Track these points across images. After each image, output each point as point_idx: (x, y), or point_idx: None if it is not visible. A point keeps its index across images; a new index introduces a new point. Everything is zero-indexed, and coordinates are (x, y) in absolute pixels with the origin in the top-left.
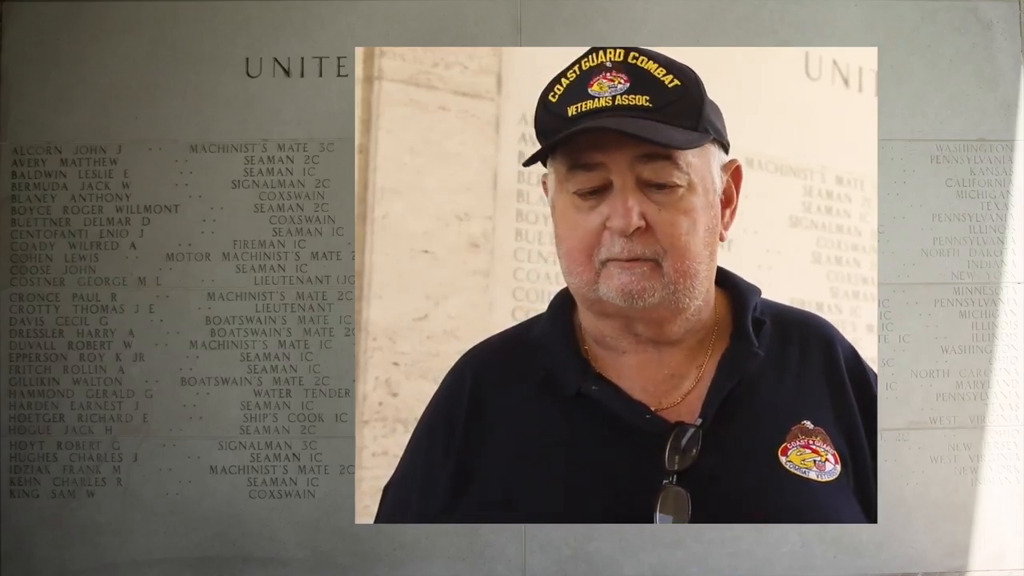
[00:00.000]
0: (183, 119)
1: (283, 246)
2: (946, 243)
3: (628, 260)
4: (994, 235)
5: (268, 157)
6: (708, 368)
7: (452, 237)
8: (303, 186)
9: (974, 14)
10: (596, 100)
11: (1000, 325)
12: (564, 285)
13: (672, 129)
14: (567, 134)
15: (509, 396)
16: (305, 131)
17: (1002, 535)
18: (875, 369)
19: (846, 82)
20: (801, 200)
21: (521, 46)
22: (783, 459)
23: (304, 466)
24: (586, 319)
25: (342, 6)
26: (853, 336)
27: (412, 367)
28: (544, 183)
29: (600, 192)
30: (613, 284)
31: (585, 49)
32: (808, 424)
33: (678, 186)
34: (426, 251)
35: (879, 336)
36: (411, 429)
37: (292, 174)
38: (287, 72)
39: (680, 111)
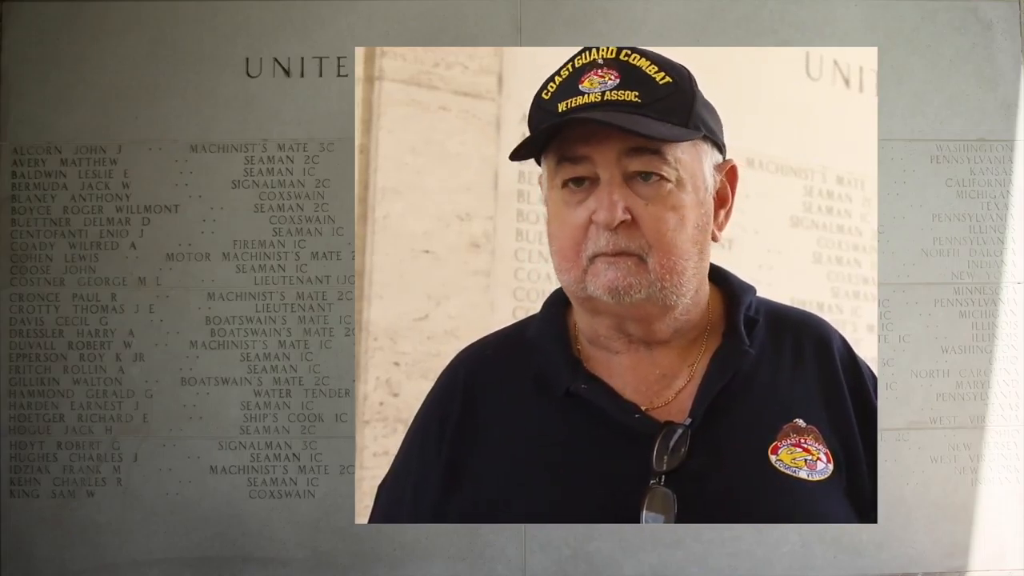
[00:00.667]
0: (183, 119)
1: (283, 246)
2: (946, 243)
3: (613, 254)
4: (994, 235)
5: (268, 157)
6: (700, 367)
7: (453, 237)
8: (303, 186)
9: (974, 14)
10: (586, 96)
11: (1000, 325)
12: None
13: (659, 124)
14: (549, 125)
15: (502, 395)
16: (305, 131)
17: (1002, 535)
18: (875, 369)
19: (847, 82)
20: (802, 200)
21: (521, 46)
22: (773, 458)
23: (304, 466)
24: (580, 318)
25: (342, 6)
26: (854, 336)
27: (413, 367)
28: (540, 183)
29: (587, 187)
30: (600, 280)
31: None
32: (800, 423)
33: (665, 180)
34: (427, 251)
35: (879, 336)
36: None
37: (292, 174)
38: (287, 72)
39: (669, 107)
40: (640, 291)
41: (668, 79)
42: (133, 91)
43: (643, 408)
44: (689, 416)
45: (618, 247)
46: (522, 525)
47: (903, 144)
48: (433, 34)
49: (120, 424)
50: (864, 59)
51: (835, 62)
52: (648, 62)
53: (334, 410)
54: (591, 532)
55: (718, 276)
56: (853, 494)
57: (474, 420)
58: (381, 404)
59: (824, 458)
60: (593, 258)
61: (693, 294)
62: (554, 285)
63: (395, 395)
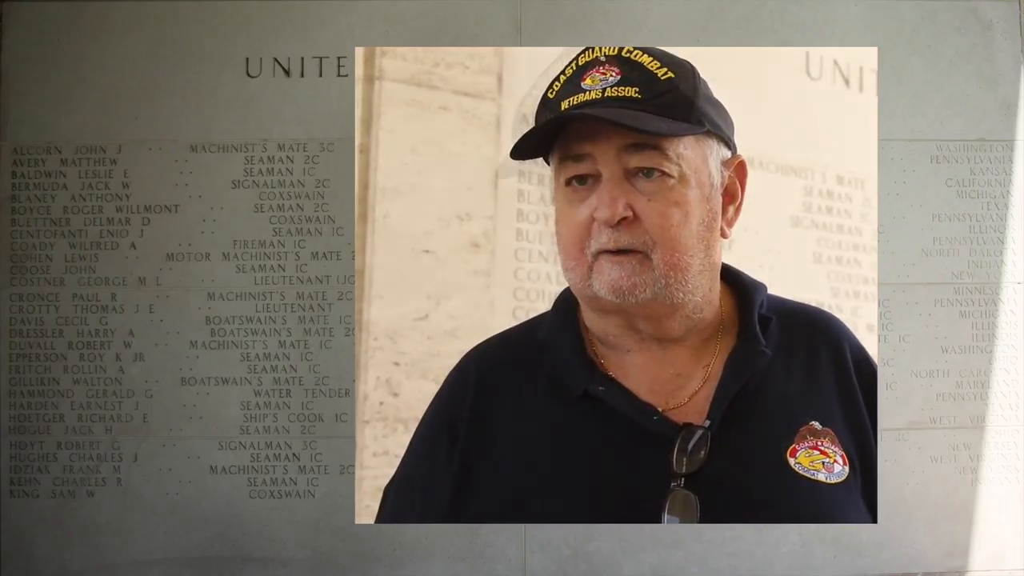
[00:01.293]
0: (183, 119)
1: (283, 246)
2: (946, 243)
3: (616, 252)
4: (994, 235)
5: (268, 157)
6: (715, 368)
7: (453, 237)
8: (303, 186)
9: (974, 14)
10: (587, 93)
11: (1000, 325)
12: (566, 284)
13: (659, 119)
14: (546, 121)
15: (514, 396)
16: (305, 131)
17: (1002, 535)
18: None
19: (847, 82)
20: (802, 200)
21: (521, 46)
22: (791, 460)
23: (304, 466)
24: (589, 317)
25: (342, 6)
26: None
27: (413, 367)
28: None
29: (590, 184)
30: (604, 279)
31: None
32: (816, 425)
33: (668, 176)
34: (427, 251)
35: (879, 336)
36: (412, 429)
37: (292, 174)
38: (287, 72)
39: (671, 103)
40: (645, 290)
41: (670, 74)
42: (133, 91)
43: (660, 410)
44: (707, 418)
45: (620, 244)
46: (522, 525)
47: (903, 144)
48: (433, 34)
49: (120, 424)
50: (864, 59)
51: (835, 62)
52: (650, 58)
53: (334, 410)
54: (591, 532)
55: (728, 274)
56: (867, 493)
57: (485, 422)
58: (381, 404)
59: (840, 460)
60: (597, 255)
61: (705, 292)
62: (554, 285)
63: (395, 395)
